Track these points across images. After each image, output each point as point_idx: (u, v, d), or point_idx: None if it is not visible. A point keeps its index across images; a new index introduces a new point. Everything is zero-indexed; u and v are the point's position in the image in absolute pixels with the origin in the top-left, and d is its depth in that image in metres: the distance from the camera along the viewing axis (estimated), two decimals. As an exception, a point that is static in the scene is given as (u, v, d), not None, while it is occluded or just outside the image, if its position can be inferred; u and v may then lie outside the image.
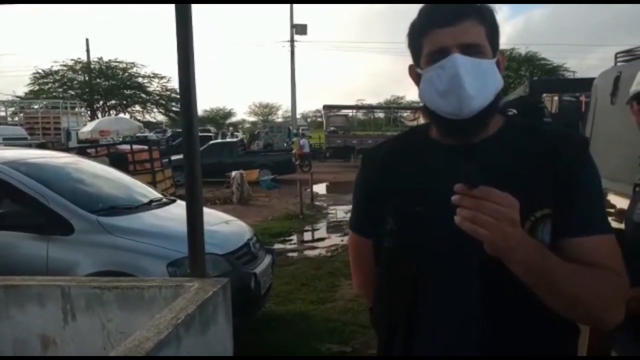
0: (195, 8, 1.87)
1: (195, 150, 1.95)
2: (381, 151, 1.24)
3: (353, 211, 1.30)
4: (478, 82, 1.01)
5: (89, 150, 9.31)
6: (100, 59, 36.53)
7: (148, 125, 34.04)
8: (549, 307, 0.98)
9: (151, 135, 26.63)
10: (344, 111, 30.21)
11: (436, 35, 1.04)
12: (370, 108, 36.02)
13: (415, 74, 1.13)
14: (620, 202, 2.39)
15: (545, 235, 1.01)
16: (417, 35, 1.09)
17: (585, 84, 3.79)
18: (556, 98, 8.36)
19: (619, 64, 3.12)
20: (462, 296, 1.05)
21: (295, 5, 35.30)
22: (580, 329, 1.12)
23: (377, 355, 1.24)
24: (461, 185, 0.89)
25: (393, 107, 37.52)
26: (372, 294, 1.26)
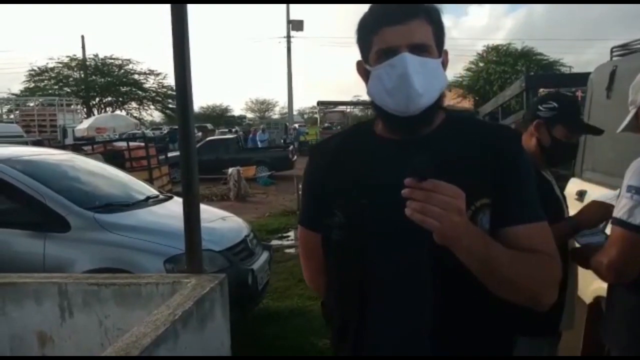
0: (190, 4, 1.87)
1: (191, 147, 1.95)
2: (328, 146, 1.27)
3: (303, 206, 1.33)
4: (425, 81, 1.05)
5: (84, 148, 9.26)
6: (96, 55, 36.34)
7: (142, 123, 33.92)
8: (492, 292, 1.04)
9: (148, 132, 26.53)
10: (340, 107, 30.19)
11: (386, 33, 1.07)
12: (365, 104, 35.92)
13: (363, 70, 1.17)
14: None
15: (485, 224, 1.07)
16: (367, 32, 1.12)
17: (581, 79, 3.80)
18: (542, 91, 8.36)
19: (614, 58, 3.13)
20: (413, 285, 1.09)
21: (291, 3, 35.17)
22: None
23: (332, 348, 1.28)
24: (411, 179, 0.93)
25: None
26: (323, 288, 1.30)
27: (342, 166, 1.18)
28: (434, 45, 1.09)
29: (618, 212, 1.49)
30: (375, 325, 1.13)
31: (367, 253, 1.12)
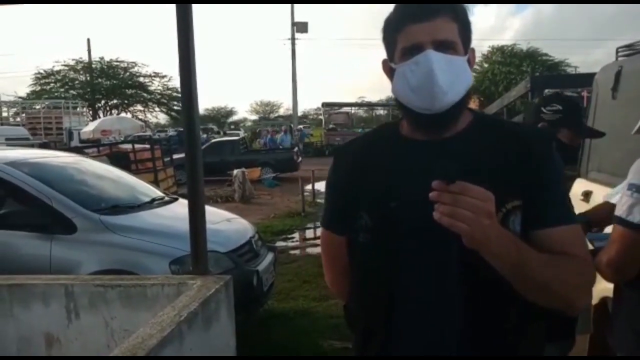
0: (195, 6, 1.88)
1: (197, 149, 1.95)
2: (352, 147, 1.26)
3: (326, 209, 1.30)
4: (450, 79, 1.04)
5: (87, 151, 9.29)
6: (102, 58, 36.55)
7: (147, 125, 33.98)
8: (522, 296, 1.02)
9: (155, 134, 26.62)
10: (345, 109, 30.17)
11: (411, 30, 1.06)
12: (369, 105, 36.00)
13: (388, 68, 1.15)
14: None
15: (517, 226, 1.05)
16: (391, 31, 1.11)
17: (587, 79, 3.79)
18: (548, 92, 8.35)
19: (620, 58, 3.12)
20: (441, 289, 1.07)
21: (296, 4, 35.20)
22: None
23: (355, 351, 1.24)
24: (438, 182, 0.91)
25: (392, 104, 37.41)
26: (345, 291, 1.27)
27: (368, 168, 1.16)
28: (459, 43, 1.08)
29: (618, 211, 1.49)
30: (401, 330, 1.11)
31: (395, 256, 1.09)
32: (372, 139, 1.25)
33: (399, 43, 1.09)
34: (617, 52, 3.18)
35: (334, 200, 1.26)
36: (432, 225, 0.92)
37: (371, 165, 1.16)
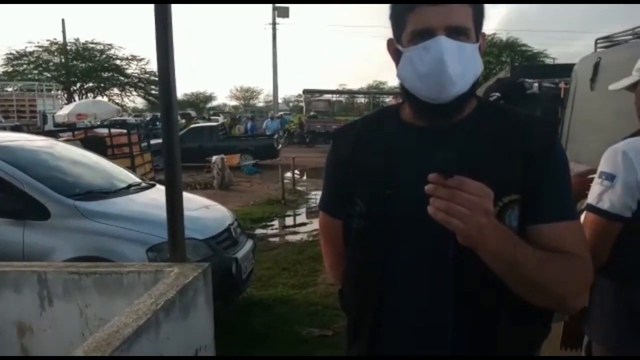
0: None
1: (174, 134, 1.91)
2: (352, 131, 1.22)
3: (323, 191, 1.29)
4: (460, 68, 0.99)
5: (61, 135, 9.08)
6: (77, 40, 35.59)
7: (124, 110, 33.41)
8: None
9: (130, 119, 26.21)
10: (326, 96, 30.08)
11: (423, 12, 1.00)
12: (351, 93, 35.96)
13: (394, 50, 1.10)
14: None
15: (513, 221, 1.01)
16: (402, 9, 1.04)
17: (567, 70, 3.82)
18: (536, 84, 8.43)
19: (599, 50, 3.15)
20: (433, 281, 1.04)
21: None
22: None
23: (347, 337, 1.24)
24: (435, 175, 0.87)
25: (374, 92, 37.51)
26: (341, 274, 1.25)
27: (365, 152, 1.13)
28: (472, 29, 1.02)
29: (589, 198, 1.51)
30: (391, 319, 1.09)
31: (388, 244, 1.07)
32: (372, 123, 1.22)
33: (409, 25, 1.02)
34: (596, 43, 3.21)
35: (332, 183, 1.24)
36: (427, 216, 0.89)
37: (369, 150, 1.13)
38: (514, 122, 1.08)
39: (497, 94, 1.93)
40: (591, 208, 1.50)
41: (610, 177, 1.46)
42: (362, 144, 1.15)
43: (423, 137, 1.08)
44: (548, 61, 30.64)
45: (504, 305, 1.02)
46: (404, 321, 1.08)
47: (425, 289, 1.05)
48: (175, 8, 1.83)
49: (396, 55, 1.09)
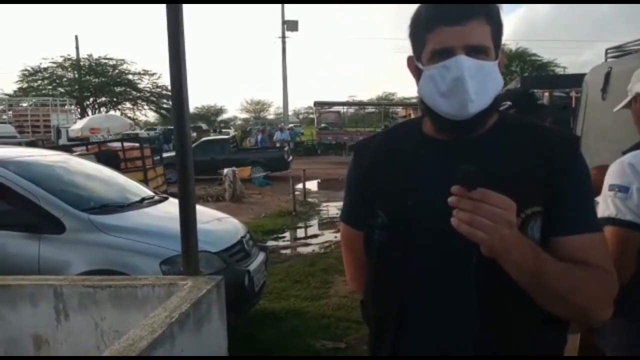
0: (186, 4, 1.86)
1: (187, 148, 1.94)
2: (373, 143, 1.23)
3: (344, 202, 1.29)
4: (480, 85, 1.01)
5: (75, 149, 9.19)
6: (90, 55, 36.21)
7: (136, 123, 33.78)
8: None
9: (142, 132, 26.50)
10: (336, 108, 30.19)
11: (442, 33, 1.01)
12: (361, 104, 36.06)
13: (414, 67, 1.11)
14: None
15: (535, 233, 1.01)
16: (421, 29, 1.06)
17: (577, 80, 3.82)
18: (547, 94, 8.41)
19: (609, 59, 3.14)
20: (456, 292, 1.04)
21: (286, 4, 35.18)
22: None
23: (369, 349, 1.23)
24: (458, 187, 0.88)
25: (384, 103, 37.53)
26: (363, 285, 1.26)
27: (387, 165, 1.14)
28: (492, 47, 1.04)
29: (604, 213, 1.48)
30: (414, 330, 1.09)
31: (409, 255, 1.08)
32: (394, 136, 1.23)
33: (429, 44, 1.04)
34: (606, 53, 3.21)
35: (353, 194, 1.25)
36: (450, 227, 0.90)
37: (391, 162, 1.14)
38: (537, 134, 1.08)
39: (508, 102, 1.96)
40: (612, 221, 1.46)
41: (624, 189, 1.45)
42: (384, 156, 1.16)
43: (445, 150, 1.09)
44: (558, 70, 30.58)
45: (527, 316, 1.02)
46: (427, 332, 1.08)
47: (448, 300, 1.05)
48: (186, 23, 1.86)
49: (417, 72, 1.10)
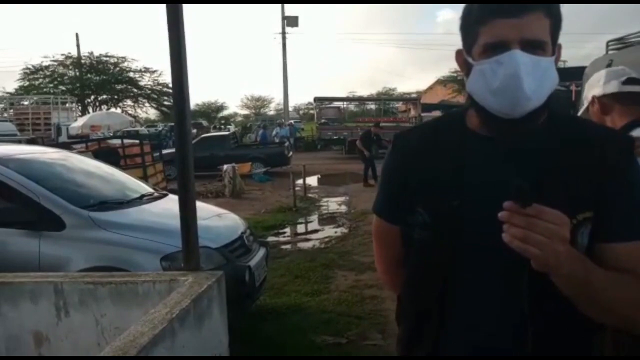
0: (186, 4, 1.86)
1: (187, 144, 1.93)
2: (414, 136, 1.18)
3: (380, 195, 1.23)
4: (536, 83, 0.95)
5: (74, 146, 9.18)
6: (91, 53, 36.06)
7: (137, 121, 33.82)
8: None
9: (143, 129, 26.50)
10: (336, 103, 30.13)
11: (497, 25, 0.95)
12: (361, 100, 35.96)
13: (463, 61, 1.06)
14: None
15: (585, 238, 0.99)
16: (473, 21, 1.00)
17: (577, 73, 3.80)
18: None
19: (610, 52, 3.13)
20: (500, 294, 1.02)
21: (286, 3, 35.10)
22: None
23: (399, 348, 1.21)
24: (511, 203, 0.86)
25: (384, 98, 37.43)
26: (396, 281, 1.23)
27: (430, 161, 1.09)
28: (549, 42, 0.98)
29: None
30: (454, 332, 1.06)
31: (453, 257, 1.04)
32: (436, 129, 1.17)
33: (481, 37, 0.98)
34: (607, 45, 3.19)
35: (390, 187, 1.19)
36: (496, 229, 0.88)
37: (433, 157, 1.09)
38: (589, 135, 1.04)
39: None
40: None
41: None
42: (425, 151, 1.11)
43: (493, 148, 1.04)
44: (559, 64, 30.45)
45: (575, 325, 1.01)
46: (469, 334, 1.06)
47: (494, 307, 1.03)
48: (185, 19, 1.85)
49: (466, 66, 1.05)
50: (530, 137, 1.02)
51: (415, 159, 1.12)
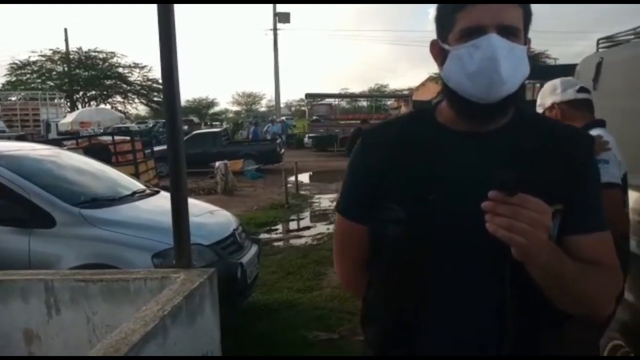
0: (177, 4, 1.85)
1: (179, 141, 1.92)
2: (383, 132, 1.16)
3: (345, 194, 1.20)
4: (511, 68, 0.96)
5: (65, 143, 9.11)
6: (80, 48, 35.78)
7: (127, 117, 33.58)
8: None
9: (133, 126, 26.34)
10: (328, 100, 30.12)
11: (474, 11, 0.97)
12: (352, 96, 36.00)
13: (438, 50, 1.06)
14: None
15: (555, 230, 1.00)
16: (450, 9, 1.01)
17: (568, 71, 3.83)
18: (538, 85, 8.44)
19: (600, 50, 3.15)
20: (479, 290, 1.02)
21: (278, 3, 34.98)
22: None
23: (376, 348, 1.18)
24: (497, 193, 0.87)
25: (376, 95, 37.46)
26: (360, 284, 1.22)
27: (401, 156, 1.08)
28: (522, 30, 1.00)
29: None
30: (435, 332, 1.05)
31: (430, 251, 1.03)
32: (407, 125, 1.16)
33: (458, 23, 0.99)
34: (597, 43, 3.21)
35: (357, 186, 1.16)
36: (474, 221, 0.89)
37: (406, 154, 1.08)
38: (558, 132, 1.08)
39: None
40: (609, 185, 1.96)
41: (605, 161, 2.06)
42: (397, 146, 1.10)
43: (465, 142, 1.05)
44: (549, 62, 30.64)
45: (552, 315, 1.02)
46: (450, 332, 1.05)
47: (475, 300, 1.03)
48: (176, 14, 1.84)
49: (441, 55, 1.06)
50: (501, 131, 1.05)
51: (387, 154, 1.10)
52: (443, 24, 1.05)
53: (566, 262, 0.96)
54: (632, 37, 2.89)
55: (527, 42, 1.03)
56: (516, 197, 0.86)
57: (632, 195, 2.33)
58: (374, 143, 1.15)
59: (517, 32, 0.99)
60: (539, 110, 2.38)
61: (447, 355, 1.05)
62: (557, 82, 2.38)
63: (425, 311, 1.06)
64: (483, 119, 1.04)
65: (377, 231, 1.11)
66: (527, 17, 1.02)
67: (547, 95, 2.38)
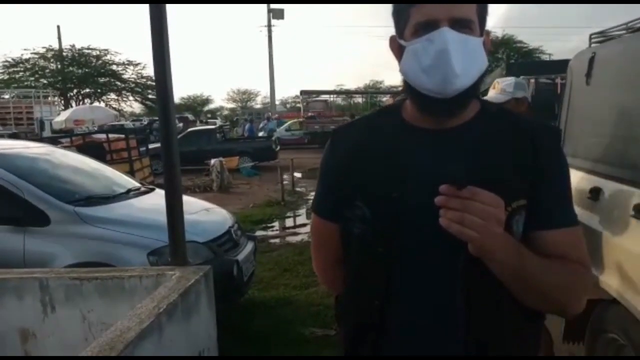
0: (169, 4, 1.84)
1: (173, 138, 1.92)
2: (351, 131, 1.18)
3: (318, 193, 1.23)
4: (465, 61, 0.97)
5: (61, 140, 9.07)
6: (73, 46, 35.50)
7: (122, 115, 33.44)
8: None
9: (128, 123, 26.23)
10: (323, 96, 30.09)
11: (426, 5, 0.98)
12: (348, 93, 36.00)
13: (397, 46, 1.06)
14: (593, 182, 2.44)
15: (520, 226, 1.00)
16: (404, 5, 1.02)
17: (562, 66, 3.84)
18: (532, 80, 8.45)
19: (593, 45, 3.16)
20: (441, 290, 1.02)
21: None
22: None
23: (344, 348, 1.19)
24: (447, 186, 0.87)
25: (371, 91, 37.46)
26: (335, 281, 1.23)
27: (368, 154, 1.09)
28: (476, 22, 1.00)
29: None
30: (396, 327, 1.06)
31: (394, 249, 1.04)
32: (373, 123, 1.17)
33: (412, 18, 1.00)
34: (590, 38, 3.21)
35: (328, 184, 1.18)
36: (435, 222, 0.89)
37: (371, 152, 1.09)
38: (520, 127, 1.06)
39: None
40: None
41: None
42: (363, 145, 1.11)
43: (428, 139, 1.06)
44: (544, 57, 30.75)
45: (511, 311, 1.01)
46: (412, 330, 1.05)
47: (434, 298, 1.03)
48: (169, 11, 1.84)
49: (399, 51, 1.06)
50: (464, 127, 1.05)
51: (353, 153, 1.11)
52: (399, 19, 1.05)
53: (528, 257, 0.95)
54: (624, 31, 2.90)
55: (483, 34, 1.03)
56: (466, 190, 0.86)
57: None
58: (341, 142, 1.17)
59: (470, 24, 0.99)
60: (498, 95, 2.57)
61: (414, 355, 1.05)
62: (511, 80, 2.67)
63: (390, 310, 1.06)
64: (442, 114, 1.04)
65: (346, 230, 1.12)
66: (482, 10, 1.02)
67: (516, 90, 2.65)
